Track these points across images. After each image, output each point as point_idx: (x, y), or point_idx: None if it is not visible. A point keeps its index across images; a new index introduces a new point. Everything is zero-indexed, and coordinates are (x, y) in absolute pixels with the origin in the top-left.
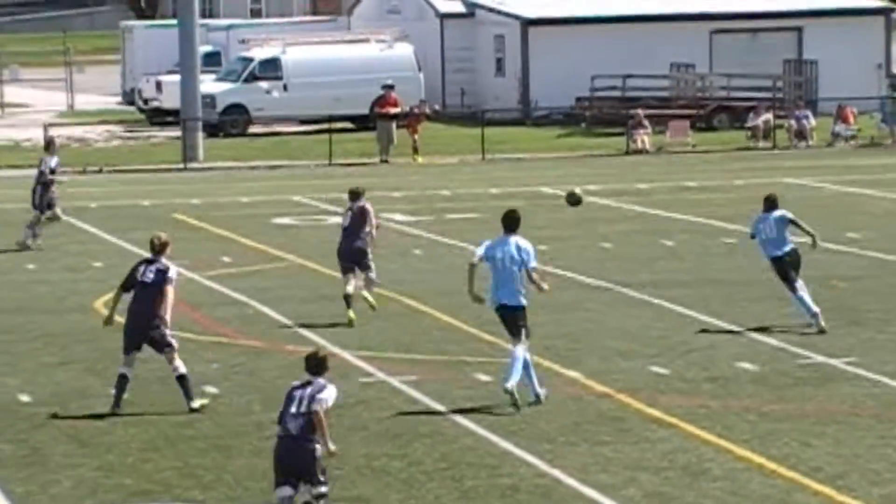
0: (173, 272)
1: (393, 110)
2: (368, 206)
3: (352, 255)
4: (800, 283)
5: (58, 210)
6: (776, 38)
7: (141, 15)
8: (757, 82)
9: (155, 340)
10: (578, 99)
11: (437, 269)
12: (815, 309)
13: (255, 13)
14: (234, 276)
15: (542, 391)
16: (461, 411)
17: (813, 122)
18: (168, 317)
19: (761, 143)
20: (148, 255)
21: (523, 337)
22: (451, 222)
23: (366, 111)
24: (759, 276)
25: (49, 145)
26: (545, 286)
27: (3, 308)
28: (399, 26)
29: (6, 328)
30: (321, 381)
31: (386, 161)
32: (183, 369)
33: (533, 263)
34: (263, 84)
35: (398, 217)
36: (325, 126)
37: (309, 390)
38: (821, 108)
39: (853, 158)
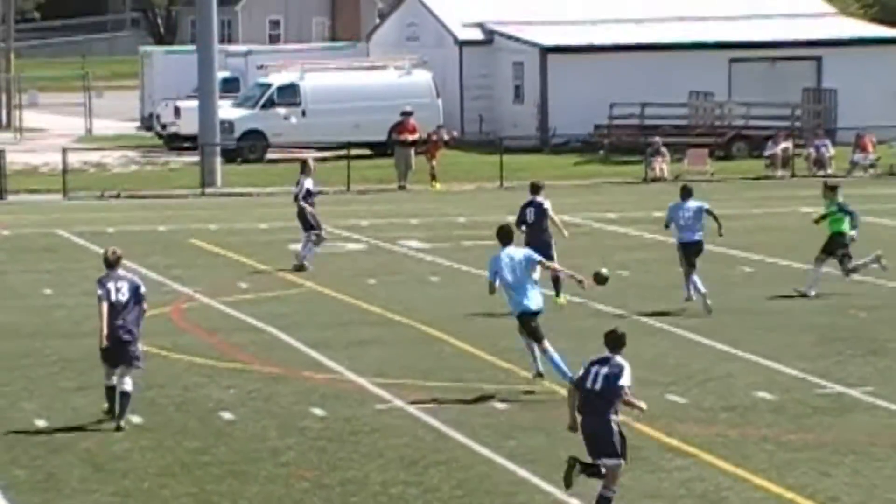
0: (143, 288)
1: (411, 137)
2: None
3: (539, 250)
4: (695, 271)
5: (322, 232)
6: (795, 67)
7: (160, 40)
8: (775, 111)
9: (128, 357)
10: (597, 126)
11: (454, 296)
12: (704, 289)
13: (274, 39)
14: (251, 301)
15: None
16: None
17: (832, 150)
18: (141, 329)
19: (780, 172)
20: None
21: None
22: (468, 249)
23: (384, 138)
24: (777, 306)
25: (304, 166)
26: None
27: (21, 332)
28: (417, 53)
29: (23, 352)
30: (618, 359)
31: (404, 188)
32: (129, 388)
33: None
34: (281, 110)
35: (415, 244)
36: (343, 152)
37: (605, 370)
38: (839, 137)
39: (872, 187)
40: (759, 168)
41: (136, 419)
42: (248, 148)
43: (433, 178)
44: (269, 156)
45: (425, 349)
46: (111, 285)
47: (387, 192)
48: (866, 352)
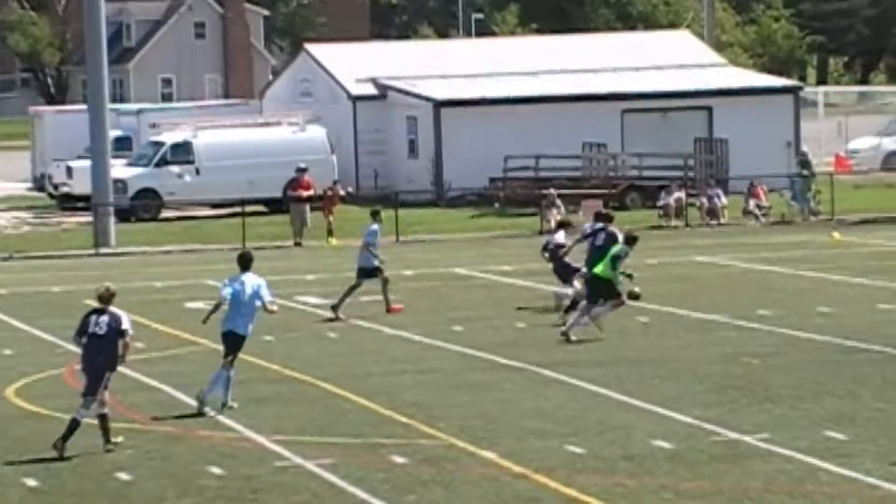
0: (126, 323)
1: (306, 193)
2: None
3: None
4: None
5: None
6: (686, 117)
7: (50, 100)
8: (668, 161)
9: (95, 390)
10: (492, 179)
11: (352, 352)
12: None
13: (166, 97)
14: (147, 361)
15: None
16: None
17: (724, 200)
18: (122, 363)
19: (673, 222)
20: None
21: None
22: (365, 305)
23: (279, 194)
24: (673, 355)
25: (563, 225)
26: (275, 308)
27: None
28: (311, 109)
29: None
30: None
31: (300, 244)
32: (105, 410)
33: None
34: (175, 168)
35: (312, 300)
36: (238, 210)
37: None
38: (732, 187)
39: (764, 236)
40: (653, 218)
41: (30, 482)
42: (142, 207)
43: (330, 233)
44: (163, 214)
45: (324, 405)
46: (92, 319)
47: (283, 248)
48: (761, 399)
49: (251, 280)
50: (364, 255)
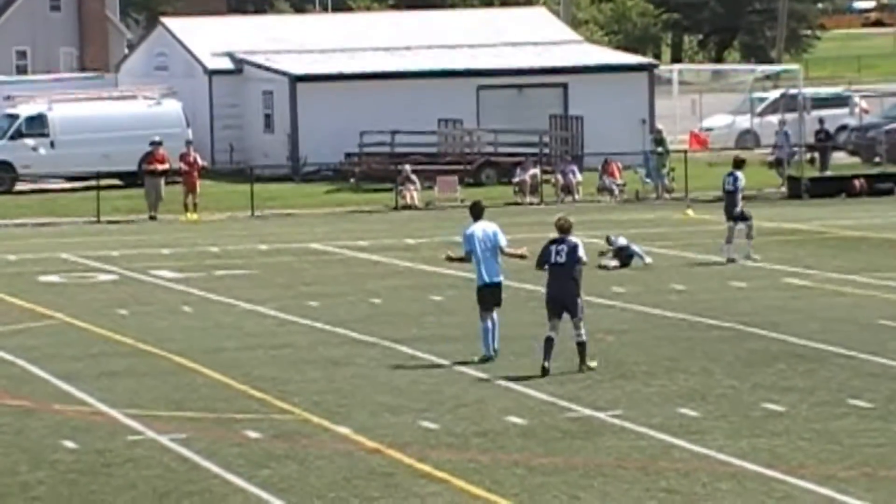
0: (581, 250)
1: (161, 167)
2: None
3: None
4: None
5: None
6: (542, 94)
7: None
8: (523, 137)
9: (571, 308)
10: (348, 155)
11: (206, 326)
12: None
13: (21, 69)
14: (0, 335)
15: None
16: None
17: (579, 176)
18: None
19: (528, 198)
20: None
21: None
22: (220, 279)
23: (134, 168)
24: (527, 332)
25: (741, 163)
26: (515, 251)
27: None
28: (167, 83)
29: None
30: None
31: (154, 218)
32: (584, 337)
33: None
34: (30, 141)
35: (167, 274)
36: (93, 183)
37: None
38: (587, 163)
39: (618, 213)
40: (508, 194)
41: None
42: None
43: (195, 207)
44: (18, 187)
45: (178, 380)
46: (553, 248)
47: (137, 222)
48: (614, 375)
49: (488, 227)
50: None
